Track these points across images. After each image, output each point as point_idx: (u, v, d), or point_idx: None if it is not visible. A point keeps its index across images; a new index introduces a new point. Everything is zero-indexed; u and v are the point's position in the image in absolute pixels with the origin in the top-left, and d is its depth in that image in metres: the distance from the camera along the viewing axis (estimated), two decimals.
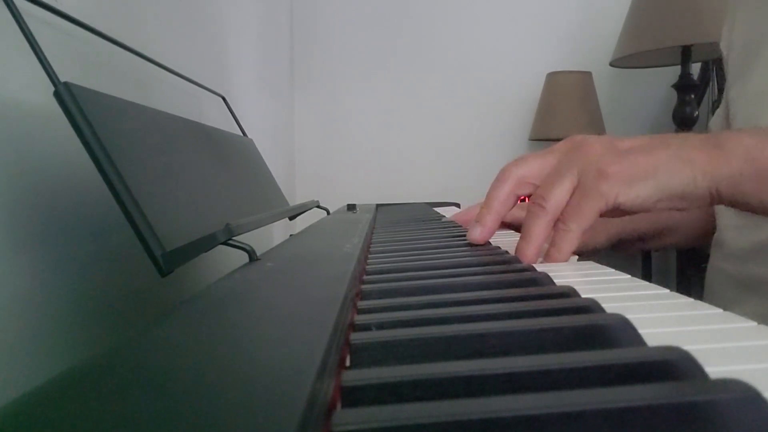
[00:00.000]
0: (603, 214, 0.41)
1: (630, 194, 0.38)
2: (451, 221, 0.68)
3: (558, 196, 0.40)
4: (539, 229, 0.40)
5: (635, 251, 1.48)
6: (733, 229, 0.63)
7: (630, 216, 0.44)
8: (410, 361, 0.20)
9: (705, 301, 0.26)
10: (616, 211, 0.41)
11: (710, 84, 1.67)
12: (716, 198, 0.39)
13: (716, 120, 0.73)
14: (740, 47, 0.65)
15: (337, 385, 0.16)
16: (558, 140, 0.46)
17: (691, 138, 0.40)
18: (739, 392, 0.14)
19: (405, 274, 0.33)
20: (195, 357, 0.17)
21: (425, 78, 1.84)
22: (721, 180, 0.38)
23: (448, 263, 0.37)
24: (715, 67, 1.64)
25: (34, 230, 0.36)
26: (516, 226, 0.65)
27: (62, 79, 0.31)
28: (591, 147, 0.41)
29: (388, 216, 0.88)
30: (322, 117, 1.84)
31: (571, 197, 0.40)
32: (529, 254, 0.40)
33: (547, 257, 0.40)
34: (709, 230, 0.69)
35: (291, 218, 0.75)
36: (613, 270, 0.37)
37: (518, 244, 0.41)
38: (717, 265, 0.66)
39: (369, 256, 0.43)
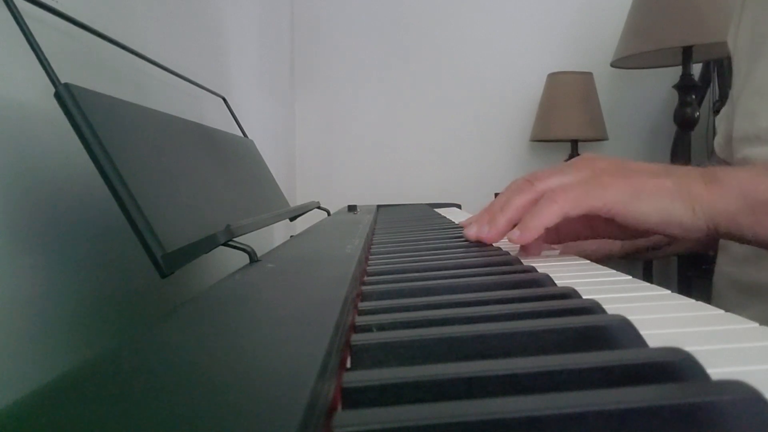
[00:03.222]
0: (597, 229, 0.42)
1: (630, 207, 0.39)
2: (451, 222, 0.68)
3: (551, 183, 0.41)
4: (519, 202, 0.42)
5: (648, 259, 1.49)
6: None
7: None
8: (411, 362, 0.20)
9: (712, 305, 0.26)
10: (611, 226, 0.41)
11: (711, 84, 1.67)
12: (713, 230, 0.40)
13: (722, 119, 0.73)
14: (745, 43, 0.65)
15: (338, 386, 0.16)
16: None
17: (692, 171, 0.42)
18: (741, 393, 0.14)
19: (406, 275, 0.33)
20: (195, 358, 0.17)
21: (426, 78, 1.83)
22: (718, 214, 0.39)
23: (449, 264, 0.37)
24: (716, 67, 1.64)
25: (34, 231, 0.36)
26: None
27: (63, 80, 0.31)
28: (601, 160, 0.43)
29: (389, 217, 0.88)
30: (323, 118, 1.84)
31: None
32: (500, 223, 0.41)
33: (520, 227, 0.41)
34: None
35: (292, 219, 0.75)
36: (614, 271, 0.37)
37: (495, 215, 0.42)
38: (722, 269, 0.66)
39: (370, 257, 0.43)
